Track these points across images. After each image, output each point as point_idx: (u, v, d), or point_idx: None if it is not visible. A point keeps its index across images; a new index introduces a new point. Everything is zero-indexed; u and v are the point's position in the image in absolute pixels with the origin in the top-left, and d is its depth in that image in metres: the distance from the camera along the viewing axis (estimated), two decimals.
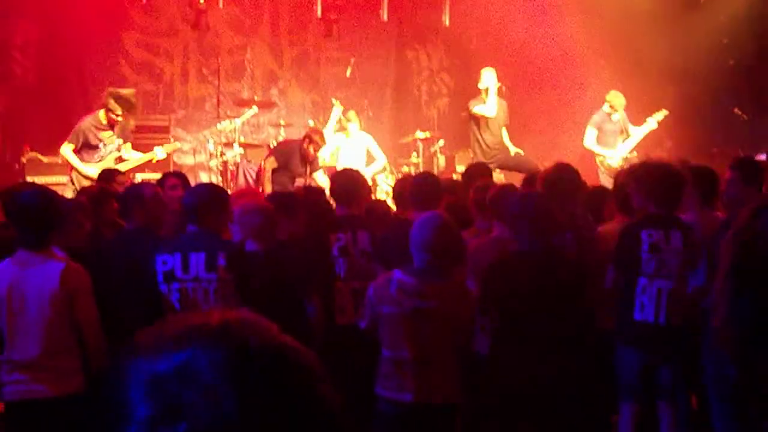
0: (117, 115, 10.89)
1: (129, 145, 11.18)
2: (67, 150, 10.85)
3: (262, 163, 12.25)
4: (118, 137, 11.02)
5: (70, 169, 10.94)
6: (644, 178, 6.33)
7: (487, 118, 12.47)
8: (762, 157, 13.44)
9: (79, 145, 10.84)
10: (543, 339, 5.52)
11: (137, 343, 1.26)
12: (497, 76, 12.57)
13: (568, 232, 6.37)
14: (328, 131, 13.27)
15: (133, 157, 11.14)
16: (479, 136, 12.67)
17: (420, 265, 5.28)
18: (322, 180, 12.27)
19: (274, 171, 11.93)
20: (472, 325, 5.38)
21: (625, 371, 6.13)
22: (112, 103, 10.91)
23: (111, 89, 11.47)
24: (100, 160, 10.83)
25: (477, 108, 12.55)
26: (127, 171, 10.88)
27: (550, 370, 5.49)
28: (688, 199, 6.62)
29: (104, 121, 10.97)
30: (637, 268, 6.02)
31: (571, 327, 5.63)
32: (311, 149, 11.94)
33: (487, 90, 12.53)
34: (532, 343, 5.52)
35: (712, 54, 14.36)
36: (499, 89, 12.57)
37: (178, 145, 12.14)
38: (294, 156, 12.02)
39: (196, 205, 5.90)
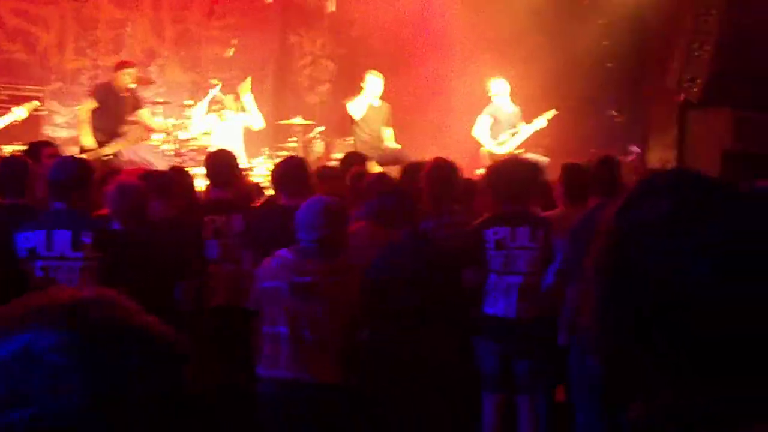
0: None
1: None
2: None
3: (78, 108, 12.10)
4: None
5: None
6: (493, 175, 6.48)
7: (363, 117, 12.49)
8: (632, 157, 13.82)
9: None
10: (419, 325, 5.62)
11: None
12: (380, 78, 12.58)
13: (432, 222, 6.47)
14: (201, 111, 13.11)
15: None
16: (356, 132, 12.68)
17: (303, 245, 5.31)
18: (148, 119, 12.30)
19: (95, 114, 11.68)
20: (354, 306, 5.38)
21: (483, 363, 6.26)
22: None
23: None
24: None
25: (348, 105, 12.57)
26: None
27: (426, 352, 5.60)
28: (558, 196, 6.80)
29: None
30: (486, 265, 6.16)
31: (443, 314, 5.76)
32: (125, 78, 11.90)
33: (365, 94, 12.55)
34: (409, 328, 5.62)
35: (592, 56, 14.65)
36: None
37: (37, 103, 11.78)
38: (111, 92, 11.89)
39: (62, 181, 5.71)
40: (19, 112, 10.90)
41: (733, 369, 1.26)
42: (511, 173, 6.32)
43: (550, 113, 12.93)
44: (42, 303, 1.19)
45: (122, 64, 12.29)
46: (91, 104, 11.77)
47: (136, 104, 12.25)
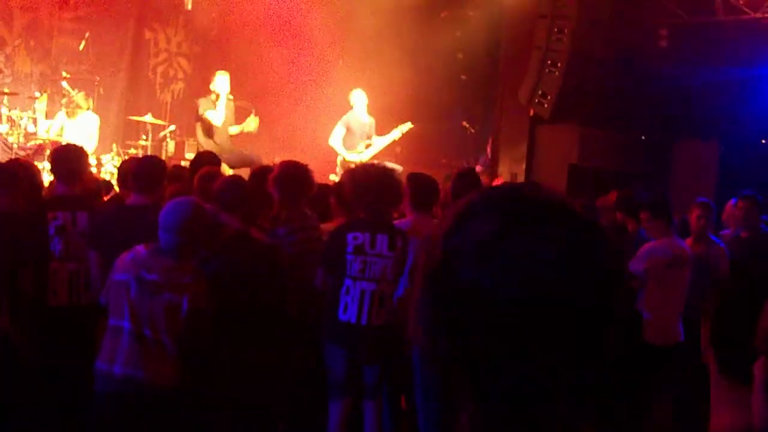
0: None
1: None
2: None
3: None
4: None
5: None
6: (355, 182, 6.51)
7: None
8: (479, 167, 14.10)
9: None
10: (258, 329, 5.60)
11: None
12: (230, 79, 12.43)
13: (283, 227, 6.47)
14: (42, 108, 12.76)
15: None
16: (203, 138, 12.43)
17: (161, 244, 5.25)
18: None
19: None
20: (195, 311, 5.29)
21: (332, 369, 6.28)
22: None
23: None
24: None
25: (208, 113, 12.28)
26: None
27: (267, 356, 5.59)
28: (406, 205, 6.88)
29: None
30: (342, 270, 6.17)
31: (276, 317, 5.76)
32: None
33: (218, 95, 12.32)
34: (236, 331, 5.59)
35: (447, 68, 14.88)
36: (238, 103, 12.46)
37: None
38: None
39: None
40: None
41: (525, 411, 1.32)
42: (373, 180, 6.34)
43: (406, 126, 13.06)
44: None
45: None
46: None
47: None
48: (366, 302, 6.15)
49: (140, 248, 5.28)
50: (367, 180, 6.40)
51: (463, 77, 15.36)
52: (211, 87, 12.35)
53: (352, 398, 6.30)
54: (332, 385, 6.29)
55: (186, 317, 5.18)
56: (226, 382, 5.62)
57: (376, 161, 12.45)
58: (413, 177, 7.06)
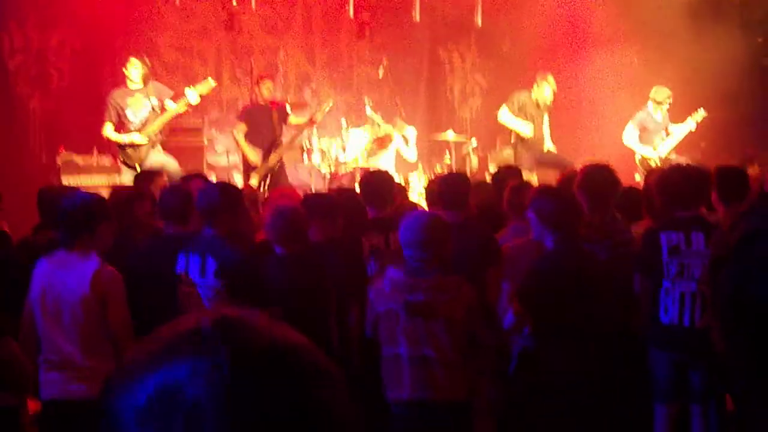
0: (137, 68, 11.18)
1: (168, 100, 11.38)
2: (108, 129, 11.05)
3: (234, 134, 12.46)
4: (146, 97, 11.16)
5: (117, 151, 11.23)
6: (664, 180, 6.34)
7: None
8: None
9: (115, 118, 11.03)
10: (576, 337, 5.54)
11: (121, 365, 1.18)
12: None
13: (594, 233, 6.38)
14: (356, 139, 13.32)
15: (172, 108, 11.31)
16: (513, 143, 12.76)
17: (409, 262, 5.32)
18: (296, 121, 12.51)
19: (248, 137, 12.06)
20: (470, 321, 5.32)
21: (657, 373, 6.14)
22: (131, 61, 11.28)
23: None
24: (138, 128, 11.01)
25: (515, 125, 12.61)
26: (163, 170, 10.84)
27: (581, 367, 5.52)
28: (715, 200, 6.65)
29: (128, 86, 11.17)
30: (659, 272, 6.00)
31: (603, 326, 5.66)
32: (263, 90, 12.29)
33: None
34: (567, 340, 5.55)
35: (746, 53, 14.23)
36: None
37: (212, 83, 12.01)
38: (259, 112, 12.24)
39: (207, 207, 5.85)
40: (191, 95, 11.21)
41: None
42: (683, 178, 6.17)
43: (700, 115, 12.58)
44: (170, 333, 1.16)
45: (259, 78, 12.68)
46: (242, 128, 12.17)
47: (283, 114, 12.43)
48: (687, 304, 5.95)
49: (393, 273, 5.37)
50: (675, 178, 6.24)
51: (765, 62, 14.61)
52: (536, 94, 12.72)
53: (679, 403, 6.14)
54: (658, 390, 6.15)
55: (460, 332, 5.24)
56: (552, 391, 5.61)
57: (672, 156, 12.15)
58: (721, 171, 6.83)
